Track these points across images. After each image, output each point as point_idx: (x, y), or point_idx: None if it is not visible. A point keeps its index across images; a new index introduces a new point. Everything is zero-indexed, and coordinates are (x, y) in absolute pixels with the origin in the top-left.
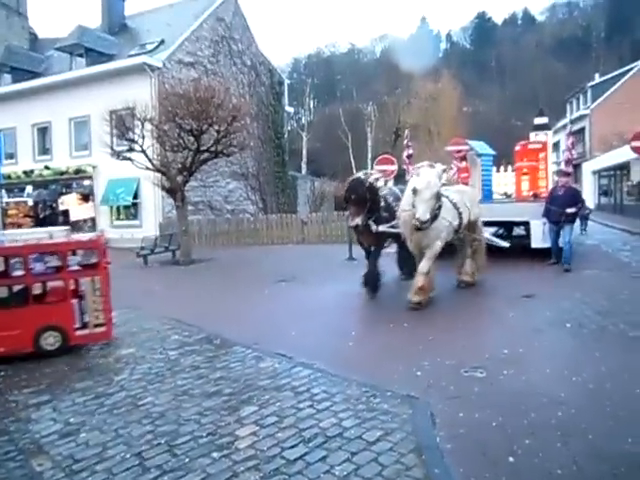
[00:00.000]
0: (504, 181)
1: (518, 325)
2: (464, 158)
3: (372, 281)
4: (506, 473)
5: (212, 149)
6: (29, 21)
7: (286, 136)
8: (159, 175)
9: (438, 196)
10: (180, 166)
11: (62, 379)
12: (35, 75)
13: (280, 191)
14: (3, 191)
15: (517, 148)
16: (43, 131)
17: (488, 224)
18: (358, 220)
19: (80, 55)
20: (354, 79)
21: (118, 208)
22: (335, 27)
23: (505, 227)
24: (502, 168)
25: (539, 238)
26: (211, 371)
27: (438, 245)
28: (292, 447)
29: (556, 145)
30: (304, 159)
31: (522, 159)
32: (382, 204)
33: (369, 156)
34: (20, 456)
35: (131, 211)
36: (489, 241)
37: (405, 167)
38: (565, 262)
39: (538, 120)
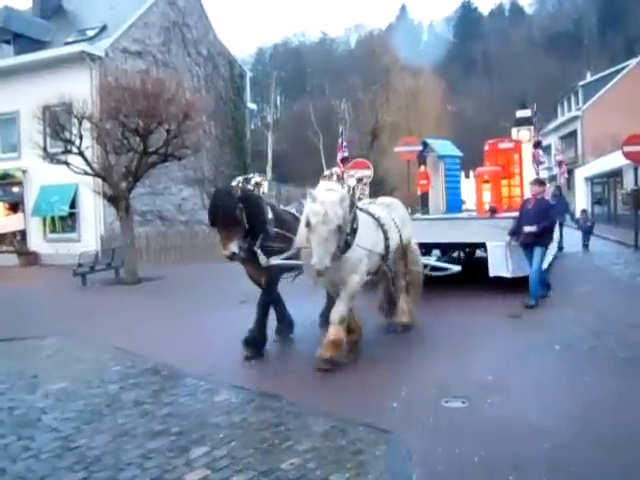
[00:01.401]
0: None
1: (504, 347)
2: (423, 162)
3: (253, 340)
4: None
5: (162, 151)
6: None
7: (248, 136)
8: (100, 181)
9: (345, 227)
10: (124, 170)
11: None
12: None
13: None
14: None
15: (485, 148)
16: None
17: (431, 246)
18: (233, 248)
19: (7, 42)
20: (326, 73)
21: (53, 219)
22: (305, 14)
23: (461, 249)
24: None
25: (499, 264)
26: (157, 407)
27: (355, 281)
28: None
29: (547, 149)
30: (269, 162)
31: (493, 161)
32: (270, 217)
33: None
34: None
35: (68, 222)
36: (431, 269)
37: (334, 173)
38: (531, 295)
39: (521, 113)
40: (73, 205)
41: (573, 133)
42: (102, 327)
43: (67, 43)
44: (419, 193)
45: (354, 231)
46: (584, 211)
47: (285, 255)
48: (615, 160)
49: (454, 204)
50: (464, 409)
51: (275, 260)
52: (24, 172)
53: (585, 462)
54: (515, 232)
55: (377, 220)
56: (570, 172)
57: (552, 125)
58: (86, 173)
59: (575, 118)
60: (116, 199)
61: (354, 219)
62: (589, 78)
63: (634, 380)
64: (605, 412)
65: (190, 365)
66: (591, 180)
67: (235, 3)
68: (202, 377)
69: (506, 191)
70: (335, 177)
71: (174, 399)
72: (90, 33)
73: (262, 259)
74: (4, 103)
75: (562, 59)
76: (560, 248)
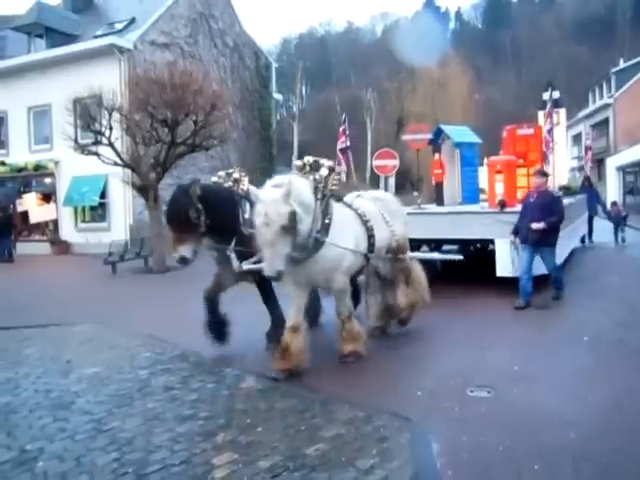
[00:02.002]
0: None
1: (530, 339)
2: (438, 150)
3: (271, 334)
4: None
5: (189, 142)
6: None
7: (274, 126)
8: (129, 171)
9: (300, 225)
10: (153, 161)
11: None
12: None
13: None
14: None
15: (503, 134)
16: None
17: (435, 243)
18: (183, 251)
19: (39, 36)
20: (352, 62)
21: (83, 209)
22: (330, 3)
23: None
24: None
25: (507, 264)
26: (186, 392)
27: (340, 279)
28: (275, 476)
29: (576, 138)
30: (295, 152)
31: (511, 149)
32: (248, 217)
33: (368, 149)
34: None
35: (98, 212)
36: (433, 260)
37: (338, 164)
38: (556, 287)
39: (547, 95)
40: (103, 195)
41: (605, 121)
42: (132, 314)
43: (97, 36)
44: (433, 183)
45: (326, 227)
46: (614, 203)
47: (255, 259)
48: None
49: (471, 195)
50: (489, 398)
51: (247, 265)
52: (56, 163)
53: (614, 452)
54: (517, 230)
55: (360, 215)
56: (601, 161)
57: (583, 113)
58: (116, 164)
59: (607, 106)
60: (145, 189)
61: (326, 214)
62: (622, 64)
63: None
64: (635, 403)
65: (218, 352)
66: (623, 169)
67: None
68: (229, 364)
69: (524, 181)
70: (308, 167)
71: (202, 385)
72: (119, 26)
73: (234, 264)
74: (37, 96)
75: (594, 45)
76: (590, 241)
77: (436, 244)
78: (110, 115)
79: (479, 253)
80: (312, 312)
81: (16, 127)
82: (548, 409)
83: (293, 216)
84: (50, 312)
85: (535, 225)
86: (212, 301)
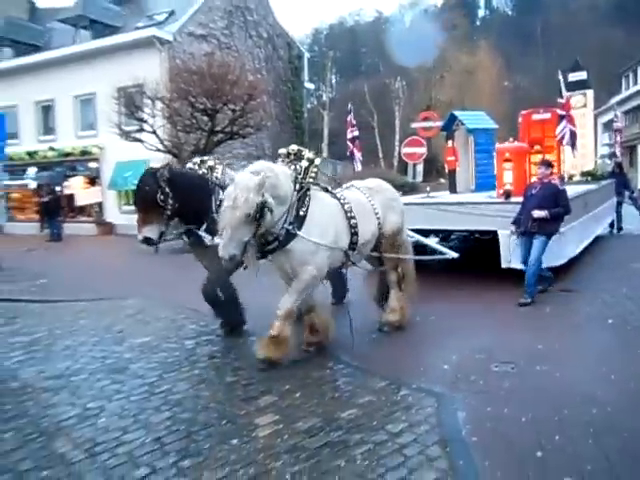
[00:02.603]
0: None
1: (555, 320)
2: (451, 137)
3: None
4: (533, 467)
5: (227, 130)
6: None
7: (306, 115)
8: (170, 157)
9: (260, 214)
10: (193, 148)
11: None
12: (36, 49)
13: None
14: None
15: (520, 119)
16: (47, 109)
17: (433, 233)
18: (147, 232)
19: (84, 27)
20: (381, 51)
21: (127, 192)
22: None
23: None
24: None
25: (511, 255)
26: (229, 361)
27: (309, 273)
28: (313, 436)
29: (607, 125)
30: (325, 140)
31: (526, 135)
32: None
33: (397, 137)
34: (41, 438)
35: None
36: (431, 251)
37: (349, 154)
38: (527, 288)
39: (574, 75)
40: None
41: (638, 107)
42: (176, 290)
43: (138, 28)
44: (446, 170)
45: (300, 219)
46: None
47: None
48: None
49: (485, 181)
50: (513, 373)
51: (218, 239)
52: (101, 149)
53: (633, 428)
54: (517, 221)
55: (345, 209)
56: (633, 148)
57: (615, 99)
58: (158, 150)
59: None
60: None
61: (301, 205)
62: None
63: None
64: None
65: (257, 325)
66: None
67: None
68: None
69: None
70: (292, 156)
71: (243, 354)
72: (159, 18)
73: (207, 238)
74: (83, 85)
75: (629, 28)
76: (619, 228)
77: (443, 233)
78: (153, 104)
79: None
80: (339, 291)
81: (63, 115)
82: (571, 386)
83: (261, 207)
84: (100, 287)
85: (537, 213)
86: (211, 298)
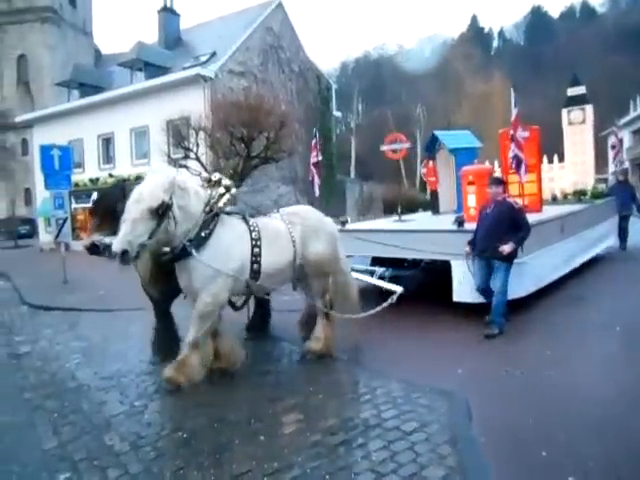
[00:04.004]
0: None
1: (564, 327)
2: (432, 158)
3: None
4: (538, 465)
5: (262, 155)
6: (94, 39)
7: (334, 140)
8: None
9: (161, 215)
10: (232, 172)
11: None
12: (100, 90)
13: (329, 195)
14: (72, 198)
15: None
16: (107, 141)
17: (379, 262)
18: (96, 240)
19: (139, 69)
20: (402, 81)
21: None
22: (383, 29)
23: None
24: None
25: (464, 288)
26: (258, 364)
27: (204, 301)
28: (333, 434)
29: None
30: (353, 162)
31: (506, 154)
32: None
33: (418, 159)
34: (94, 431)
35: None
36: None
37: (310, 179)
38: (494, 319)
39: (572, 91)
40: None
41: None
42: None
43: (185, 68)
44: (428, 191)
45: (201, 239)
46: None
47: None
48: None
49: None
50: (522, 378)
51: (109, 239)
52: None
53: (638, 431)
54: (473, 242)
55: (252, 237)
56: None
57: (624, 120)
58: (201, 175)
59: None
60: None
61: (205, 227)
62: None
63: None
64: None
65: (284, 332)
66: None
67: (322, 24)
68: (295, 342)
69: (516, 189)
70: (213, 182)
71: (271, 359)
72: (203, 58)
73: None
74: (137, 119)
75: (636, 57)
76: (623, 248)
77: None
78: (197, 134)
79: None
80: (259, 317)
81: (121, 145)
82: (578, 389)
83: (164, 206)
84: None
85: (506, 249)
86: (163, 312)
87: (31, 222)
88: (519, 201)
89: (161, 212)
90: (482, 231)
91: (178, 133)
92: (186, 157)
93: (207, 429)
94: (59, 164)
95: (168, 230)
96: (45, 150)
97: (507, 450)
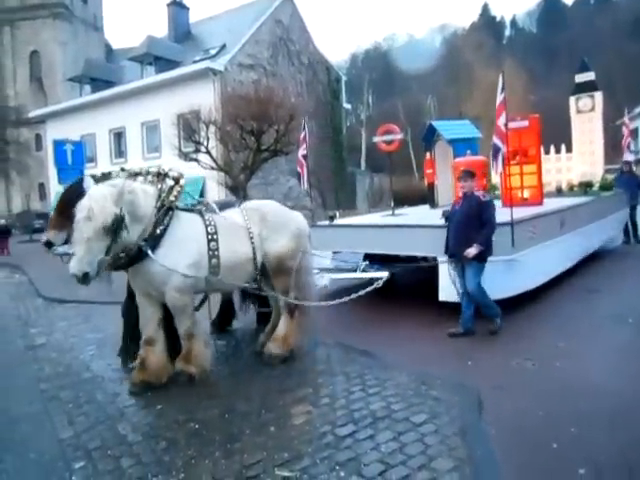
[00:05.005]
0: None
1: (577, 319)
2: (429, 149)
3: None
4: (548, 457)
5: (272, 148)
6: (105, 34)
7: (344, 132)
8: (223, 174)
9: (117, 229)
10: (242, 165)
11: None
12: (111, 84)
13: (339, 187)
14: None
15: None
16: (119, 135)
17: (372, 258)
18: (52, 237)
19: (150, 63)
20: (413, 72)
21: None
22: (393, 19)
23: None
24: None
25: (451, 287)
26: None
27: (170, 297)
28: (342, 425)
29: (635, 132)
30: (363, 155)
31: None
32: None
33: None
34: (108, 421)
35: None
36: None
37: (299, 171)
38: (488, 314)
39: (580, 77)
40: (202, 194)
41: None
42: None
43: (195, 61)
44: (425, 184)
45: (155, 237)
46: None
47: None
48: None
49: None
50: (533, 369)
51: (62, 248)
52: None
53: None
54: (446, 246)
55: (208, 231)
56: None
57: (639, 109)
58: (212, 168)
59: None
60: (236, 189)
61: (159, 224)
62: None
63: None
64: None
65: None
66: None
67: (331, 15)
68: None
69: (517, 181)
70: (150, 176)
71: None
72: (212, 52)
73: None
74: (149, 113)
75: None
76: (635, 237)
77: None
78: (207, 127)
79: None
80: (222, 316)
81: (132, 139)
82: (588, 381)
83: (119, 220)
84: None
85: (471, 251)
86: (130, 315)
87: (45, 216)
88: (487, 194)
89: (115, 227)
90: (452, 230)
91: (189, 127)
92: (197, 151)
93: (218, 420)
94: (72, 159)
95: (124, 239)
96: (58, 145)
97: (517, 442)
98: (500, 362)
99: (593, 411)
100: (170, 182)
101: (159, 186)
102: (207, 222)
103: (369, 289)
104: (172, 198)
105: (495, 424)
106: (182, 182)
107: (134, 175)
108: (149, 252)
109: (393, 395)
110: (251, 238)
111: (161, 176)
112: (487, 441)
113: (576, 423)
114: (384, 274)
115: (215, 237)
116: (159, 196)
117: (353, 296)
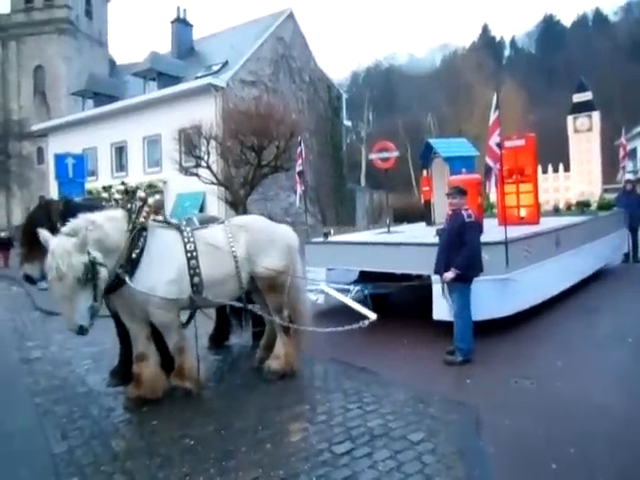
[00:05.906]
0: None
1: (576, 337)
2: (426, 167)
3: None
4: (547, 478)
5: (272, 164)
6: (109, 50)
7: (345, 149)
8: (223, 189)
9: (94, 276)
10: (242, 180)
11: None
12: (114, 99)
13: (339, 204)
14: None
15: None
16: (120, 150)
17: (367, 276)
18: (28, 269)
19: (153, 79)
20: (413, 90)
21: None
22: (394, 38)
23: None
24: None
25: (445, 306)
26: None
27: (156, 317)
28: (339, 443)
29: (631, 154)
30: (363, 171)
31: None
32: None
33: None
34: (102, 436)
35: None
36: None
37: (295, 188)
38: (458, 345)
39: (578, 97)
40: (202, 209)
41: None
42: None
43: (197, 77)
44: (422, 201)
45: (133, 261)
46: None
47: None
48: None
49: None
50: (532, 388)
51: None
52: (164, 183)
53: None
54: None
55: (187, 249)
56: None
57: (637, 129)
58: (212, 183)
59: None
60: (236, 204)
61: (134, 247)
62: None
63: None
64: None
65: None
66: None
67: (333, 33)
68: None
69: (513, 199)
70: (118, 195)
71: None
72: (215, 68)
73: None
74: (150, 128)
75: None
76: (636, 260)
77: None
78: (208, 143)
79: None
80: (219, 332)
81: (134, 154)
82: (588, 401)
83: (90, 267)
84: None
85: (447, 276)
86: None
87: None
88: (472, 213)
89: (89, 274)
90: (439, 249)
91: (190, 142)
92: (197, 165)
93: (214, 436)
94: (73, 172)
95: (104, 276)
96: (59, 159)
97: (516, 462)
98: (499, 381)
99: (592, 431)
100: (138, 203)
101: (128, 206)
102: (186, 239)
103: (354, 326)
104: (142, 219)
105: (494, 443)
106: (150, 201)
107: (125, 192)
108: (127, 279)
109: (391, 413)
110: (234, 256)
111: (129, 194)
112: (485, 460)
113: (575, 443)
114: (372, 316)
115: (195, 254)
116: (129, 217)
117: (339, 329)
